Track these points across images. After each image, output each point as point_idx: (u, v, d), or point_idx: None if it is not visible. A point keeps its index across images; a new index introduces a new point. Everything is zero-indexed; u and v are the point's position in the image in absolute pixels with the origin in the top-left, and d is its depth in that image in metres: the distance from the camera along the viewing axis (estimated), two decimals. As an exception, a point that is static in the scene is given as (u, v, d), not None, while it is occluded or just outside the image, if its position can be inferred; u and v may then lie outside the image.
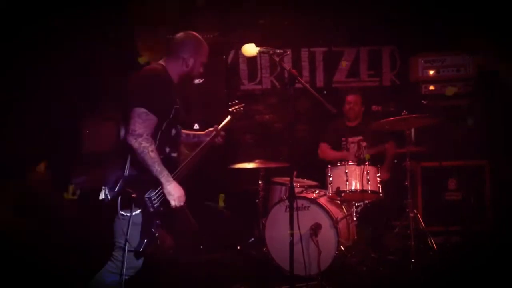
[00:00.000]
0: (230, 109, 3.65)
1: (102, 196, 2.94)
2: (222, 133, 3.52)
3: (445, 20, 5.69)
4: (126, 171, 2.92)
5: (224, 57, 5.95)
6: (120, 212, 2.89)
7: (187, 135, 3.43)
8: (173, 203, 2.95)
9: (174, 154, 3.12)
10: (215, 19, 5.84)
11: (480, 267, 4.26)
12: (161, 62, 3.17)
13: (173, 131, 3.08)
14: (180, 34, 3.25)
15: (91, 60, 5.43)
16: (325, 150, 5.46)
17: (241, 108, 3.71)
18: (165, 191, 2.93)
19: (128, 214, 2.89)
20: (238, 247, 5.11)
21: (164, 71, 3.10)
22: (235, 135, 6.14)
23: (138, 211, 2.90)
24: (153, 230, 2.91)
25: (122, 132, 3.04)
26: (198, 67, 3.22)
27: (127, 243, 2.88)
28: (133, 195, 2.86)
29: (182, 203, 2.99)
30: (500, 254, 4.45)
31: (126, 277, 2.96)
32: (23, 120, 5.03)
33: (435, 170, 5.34)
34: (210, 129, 3.54)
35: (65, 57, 5.26)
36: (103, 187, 2.95)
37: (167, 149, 3.05)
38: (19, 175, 4.84)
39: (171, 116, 3.01)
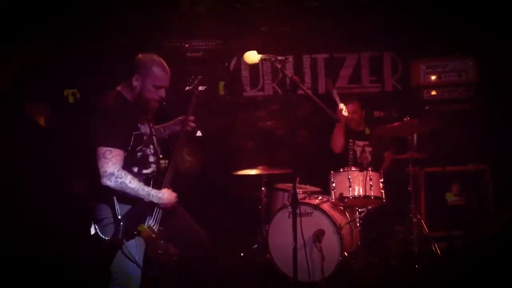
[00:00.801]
0: (187, 88, 3.51)
1: (93, 231, 3.00)
2: (191, 118, 3.44)
3: (447, 25, 5.70)
4: (117, 211, 2.95)
5: (226, 64, 5.97)
6: (125, 243, 2.95)
7: (157, 130, 3.41)
8: (169, 208, 3.08)
9: (147, 171, 3.14)
10: (217, 27, 5.86)
11: (483, 271, 4.25)
12: (118, 87, 3.14)
13: (138, 154, 3.09)
14: (137, 56, 3.14)
15: (94, 66, 5.46)
16: (334, 138, 5.31)
17: (199, 82, 3.53)
18: (161, 206, 3.05)
19: (134, 242, 2.95)
20: (242, 254, 5.10)
21: (117, 98, 3.07)
22: (237, 142, 6.16)
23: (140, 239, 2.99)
24: (159, 252, 3.01)
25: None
26: (150, 90, 3.07)
27: (137, 265, 2.95)
28: (135, 232, 2.95)
29: (175, 203, 3.11)
30: (502, 259, 4.44)
31: None
32: (25, 124, 5.05)
33: (438, 175, 5.33)
34: (179, 118, 3.50)
35: (66, 63, 5.29)
36: (92, 223, 3.00)
37: (135, 169, 3.08)
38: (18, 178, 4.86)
39: (131, 144, 3.02)
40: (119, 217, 2.93)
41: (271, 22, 6.07)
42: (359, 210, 4.78)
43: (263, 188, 5.08)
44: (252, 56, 3.25)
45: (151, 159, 3.16)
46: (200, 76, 3.53)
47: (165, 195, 3.06)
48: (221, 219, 5.39)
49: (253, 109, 6.28)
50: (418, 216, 4.82)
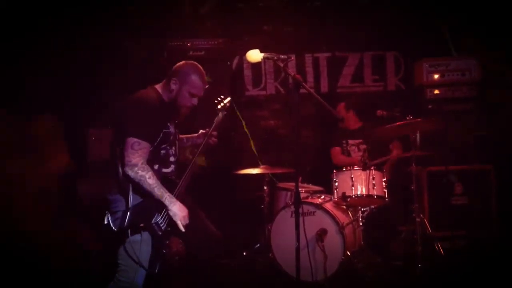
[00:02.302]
0: (217, 107, 3.59)
1: (106, 221, 3.04)
2: (215, 133, 3.52)
3: (449, 24, 5.69)
4: (130, 200, 3.00)
5: (229, 63, 5.96)
6: (130, 237, 2.98)
7: (181, 139, 3.50)
8: (179, 223, 3.06)
9: (166, 170, 3.19)
10: (219, 26, 5.87)
11: (487, 272, 4.24)
12: (156, 86, 3.25)
13: (162, 152, 3.16)
14: (181, 62, 3.29)
15: (97, 67, 5.46)
16: (337, 155, 5.44)
17: (227, 104, 3.61)
18: (170, 213, 3.04)
19: (138, 238, 2.98)
20: (244, 253, 5.10)
21: (155, 94, 3.17)
22: (239, 141, 6.15)
23: (147, 233, 3.01)
24: (164, 251, 3.04)
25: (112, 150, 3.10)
26: (185, 96, 3.20)
27: (139, 263, 2.97)
28: (141, 225, 2.98)
29: (187, 221, 3.09)
30: (507, 259, 4.42)
31: None
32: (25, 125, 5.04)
33: (441, 174, 5.31)
34: (202, 131, 3.59)
35: (70, 64, 5.29)
36: (106, 213, 3.04)
37: (156, 166, 3.13)
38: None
39: (158, 140, 3.10)
40: (130, 206, 2.98)
41: (273, 21, 6.07)
42: (362, 209, 4.76)
43: (265, 188, 5.08)
44: (254, 55, 3.25)
45: (172, 159, 3.23)
46: (230, 98, 3.63)
47: (177, 206, 3.06)
48: (223, 219, 5.37)
49: (255, 109, 6.27)
50: (421, 215, 4.80)
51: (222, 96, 3.62)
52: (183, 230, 3.07)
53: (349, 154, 5.38)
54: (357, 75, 6.21)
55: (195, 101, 3.24)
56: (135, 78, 5.38)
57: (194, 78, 3.21)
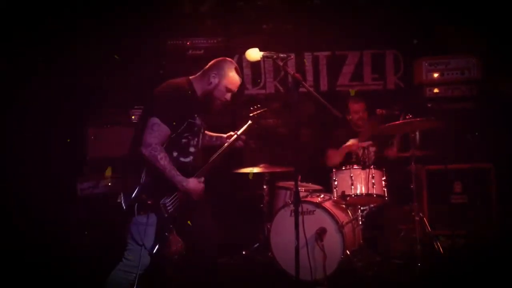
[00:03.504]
0: (250, 114, 3.68)
1: (119, 199, 3.10)
2: (243, 137, 3.63)
3: (449, 23, 5.68)
4: (143, 178, 3.08)
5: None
6: (136, 217, 3.04)
7: (210, 137, 3.62)
8: (193, 197, 3.16)
9: (184, 159, 3.24)
10: (219, 25, 5.86)
11: (487, 270, 4.23)
12: (190, 76, 3.33)
13: (183, 140, 3.21)
14: (221, 58, 3.40)
15: (96, 66, 5.46)
16: (332, 156, 5.33)
17: (261, 113, 3.72)
18: (184, 190, 3.12)
19: (144, 220, 3.04)
20: (244, 252, 5.10)
21: (187, 85, 3.25)
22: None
23: (153, 216, 3.06)
24: (166, 234, 3.09)
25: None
26: (222, 90, 3.31)
27: (143, 245, 3.04)
28: (148, 202, 3.03)
29: (200, 197, 3.20)
30: (506, 257, 4.42)
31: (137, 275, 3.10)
32: (27, 125, 5.05)
33: (441, 173, 5.31)
34: (231, 133, 3.66)
35: (69, 63, 5.28)
36: (121, 193, 3.10)
37: (175, 153, 3.19)
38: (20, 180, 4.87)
39: (182, 128, 3.16)
40: (141, 182, 3.05)
41: (273, 20, 6.06)
42: (361, 208, 4.76)
43: (265, 187, 5.07)
44: (254, 54, 3.25)
45: (192, 149, 3.27)
46: (265, 109, 3.74)
47: (191, 184, 3.14)
48: (223, 218, 5.37)
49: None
50: (421, 214, 4.80)
51: (259, 105, 3.73)
52: (195, 199, 3.17)
53: (356, 156, 5.27)
54: (357, 73, 6.21)
55: (229, 96, 3.36)
56: (135, 77, 5.39)
57: (233, 74, 3.33)
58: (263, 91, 6.26)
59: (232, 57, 5.96)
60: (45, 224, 4.76)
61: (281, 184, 5.08)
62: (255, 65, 6.08)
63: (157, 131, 3.05)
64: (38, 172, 5.00)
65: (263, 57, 3.23)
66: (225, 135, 3.70)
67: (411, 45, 5.99)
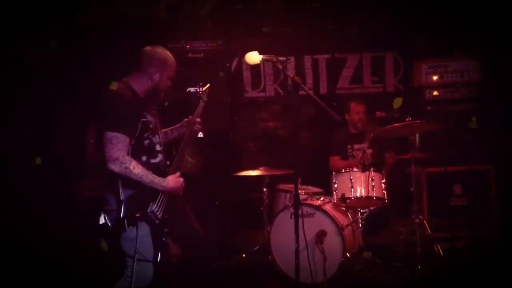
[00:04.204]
0: (198, 94, 3.58)
1: (101, 221, 3.05)
2: (198, 120, 3.50)
3: (448, 25, 5.69)
4: (122, 194, 3.00)
5: (228, 65, 5.96)
6: (126, 231, 2.98)
7: (165, 133, 3.50)
8: (179, 193, 3.15)
9: (154, 160, 3.18)
10: (218, 28, 5.86)
11: (487, 272, 4.23)
12: (125, 79, 3.20)
13: (146, 142, 3.14)
14: (146, 48, 3.23)
15: (96, 68, 5.46)
16: (336, 163, 5.35)
17: (207, 90, 3.59)
18: (165, 191, 3.09)
19: (134, 233, 2.97)
20: (244, 255, 5.10)
21: (125, 87, 3.14)
22: (238, 143, 6.16)
23: (144, 226, 3.01)
24: (163, 239, 3.05)
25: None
26: (165, 81, 3.23)
27: (136, 255, 2.98)
28: (137, 215, 2.98)
29: (182, 189, 3.20)
30: (506, 259, 4.42)
31: None
32: (26, 127, 5.05)
33: (440, 175, 5.32)
34: (186, 119, 3.55)
35: (69, 64, 5.29)
36: (101, 213, 3.05)
37: (144, 157, 3.12)
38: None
39: (138, 130, 3.08)
40: (121, 198, 2.98)
41: (272, 23, 6.07)
42: (361, 210, 4.77)
43: (265, 189, 5.08)
44: (253, 57, 3.25)
45: (158, 147, 3.21)
46: (208, 85, 3.60)
47: (170, 183, 3.10)
48: (223, 221, 5.39)
49: (254, 110, 6.27)
50: (421, 216, 4.81)
51: (200, 84, 3.60)
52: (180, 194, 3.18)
53: (354, 158, 5.32)
54: (356, 76, 6.22)
55: (170, 82, 3.26)
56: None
57: (171, 61, 3.23)
58: (263, 94, 6.27)
59: (231, 60, 6.09)
60: (43, 226, 4.75)
61: (281, 186, 5.08)
62: (255, 68, 6.10)
63: (118, 143, 2.96)
64: (38, 173, 4.99)
65: (263, 60, 3.23)
66: (179, 124, 3.58)
67: (410, 48, 5.99)
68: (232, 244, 5.28)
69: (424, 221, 4.92)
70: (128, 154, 3.00)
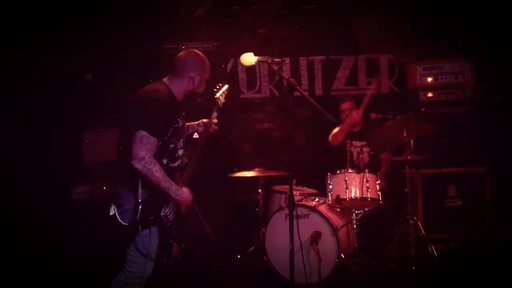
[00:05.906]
0: (216, 95, 3.60)
1: (111, 213, 3.09)
2: (215, 120, 3.55)
3: (443, 28, 5.72)
4: (139, 194, 3.04)
5: (223, 66, 5.97)
6: (140, 232, 3.04)
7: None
8: (183, 209, 3.22)
9: (173, 165, 3.23)
10: (214, 29, 5.86)
11: (481, 273, 4.25)
12: (164, 80, 3.25)
13: (171, 146, 3.19)
14: (184, 53, 3.30)
15: (93, 71, 5.46)
16: (337, 134, 5.22)
17: (226, 91, 3.62)
18: (177, 200, 3.16)
19: (147, 231, 3.04)
20: (239, 256, 5.10)
21: (167, 90, 3.17)
22: (234, 144, 6.16)
23: (154, 228, 3.08)
24: (171, 241, 3.15)
25: (120, 148, 3.14)
26: (203, 83, 3.31)
27: (148, 256, 3.05)
28: (151, 218, 3.04)
29: (190, 204, 3.26)
30: (501, 260, 4.45)
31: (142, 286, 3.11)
32: (23, 128, 5.04)
33: (435, 177, 5.34)
34: (204, 120, 3.58)
35: (66, 68, 5.28)
36: (112, 205, 3.08)
37: (165, 160, 3.17)
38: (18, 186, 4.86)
39: (168, 134, 3.14)
40: (140, 200, 3.02)
41: (268, 25, 6.07)
42: (356, 212, 4.78)
43: (260, 190, 5.08)
44: (249, 58, 3.27)
45: (180, 152, 3.27)
46: (227, 86, 3.63)
47: (184, 194, 3.18)
48: (218, 222, 5.38)
49: (250, 111, 6.28)
50: (415, 218, 4.82)
51: (220, 84, 3.63)
52: (183, 211, 3.23)
53: (352, 155, 5.34)
54: (352, 78, 6.23)
55: (205, 84, 3.34)
56: (131, 82, 5.38)
57: (208, 64, 3.31)
58: (258, 95, 6.27)
59: (227, 62, 6.09)
60: (40, 227, 4.75)
61: (276, 188, 5.09)
62: (250, 69, 6.10)
63: (147, 144, 3.00)
64: (34, 176, 4.99)
65: (258, 61, 3.25)
66: (196, 122, 3.61)
67: (405, 50, 6.01)
68: (227, 245, 5.27)
69: (419, 222, 4.94)
70: (154, 157, 3.05)
